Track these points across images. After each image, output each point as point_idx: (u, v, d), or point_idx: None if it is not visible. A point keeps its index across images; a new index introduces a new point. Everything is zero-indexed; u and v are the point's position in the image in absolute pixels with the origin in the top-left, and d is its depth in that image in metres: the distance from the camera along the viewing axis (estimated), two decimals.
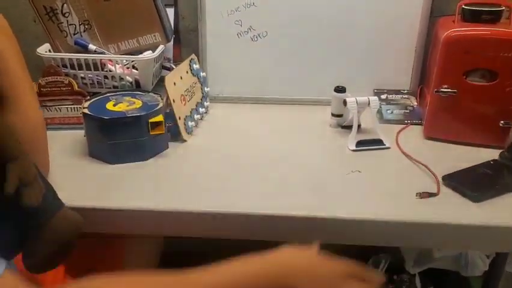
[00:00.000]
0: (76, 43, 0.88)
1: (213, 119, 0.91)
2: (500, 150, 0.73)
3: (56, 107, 0.83)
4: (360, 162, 0.74)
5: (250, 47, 0.94)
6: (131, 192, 0.66)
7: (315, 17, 0.92)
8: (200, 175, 0.70)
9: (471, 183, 0.65)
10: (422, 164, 0.72)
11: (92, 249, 0.71)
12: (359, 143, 0.78)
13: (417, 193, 0.64)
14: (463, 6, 0.80)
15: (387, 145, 0.79)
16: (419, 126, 0.86)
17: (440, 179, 0.67)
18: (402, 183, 0.68)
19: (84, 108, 0.74)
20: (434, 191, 0.65)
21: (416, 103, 0.92)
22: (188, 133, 0.82)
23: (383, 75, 0.96)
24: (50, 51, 0.89)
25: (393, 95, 0.94)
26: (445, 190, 0.65)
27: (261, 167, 0.73)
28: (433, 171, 0.69)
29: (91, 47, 0.88)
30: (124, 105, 0.75)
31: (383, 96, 0.94)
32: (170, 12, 0.99)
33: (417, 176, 0.70)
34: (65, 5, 0.86)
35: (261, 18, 0.92)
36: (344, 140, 0.81)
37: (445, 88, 0.77)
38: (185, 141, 0.81)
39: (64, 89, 0.83)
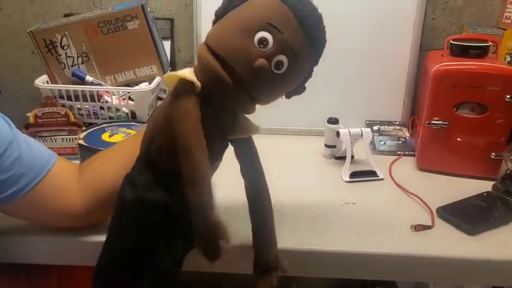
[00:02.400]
0: (74, 75, 0.89)
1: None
2: (493, 182, 0.74)
3: (52, 137, 0.83)
4: (355, 193, 0.75)
5: None
6: None
7: None
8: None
9: (465, 216, 0.65)
10: (416, 196, 0.72)
11: None
12: (353, 174, 0.79)
13: (412, 225, 0.64)
14: (451, 41, 0.82)
15: (380, 176, 0.79)
16: (412, 157, 0.87)
17: (434, 212, 0.67)
18: (397, 215, 0.68)
19: (80, 139, 0.74)
20: (429, 223, 0.65)
21: (408, 134, 0.93)
22: None
23: (374, 106, 0.98)
24: (47, 82, 0.90)
25: (386, 126, 0.96)
26: (440, 222, 0.66)
27: None
28: (427, 203, 0.69)
29: (88, 78, 0.89)
30: (120, 136, 0.76)
31: (375, 128, 0.95)
32: (166, 45, 1.02)
33: (411, 208, 0.70)
34: (64, 38, 0.88)
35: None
36: (337, 171, 0.81)
37: (436, 120, 0.78)
38: None
39: (60, 119, 0.83)
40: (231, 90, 0.44)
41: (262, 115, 0.96)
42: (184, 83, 0.44)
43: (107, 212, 0.58)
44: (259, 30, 0.43)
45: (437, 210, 0.67)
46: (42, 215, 0.57)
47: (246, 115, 0.51)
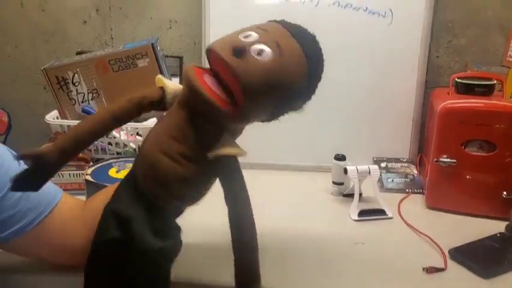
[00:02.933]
0: (83, 111, 0.91)
1: (217, 183, 0.91)
2: (506, 223, 0.72)
3: (59, 172, 0.84)
4: (364, 232, 0.73)
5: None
6: None
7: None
8: (200, 244, 0.69)
9: (479, 258, 0.63)
10: (427, 236, 0.70)
11: None
12: (361, 213, 0.78)
13: (423, 268, 0.62)
14: (457, 79, 0.83)
15: (389, 215, 0.78)
16: (421, 195, 0.86)
17: (446, 253, 0.65)
18: (408, 256, 0.66)
19: (87, 174, 0.75)
20: (441, 265, 0.63)
21: (416, 172, 0.93)
22: None
23: (381, 143, 0.98)
24: (58, 118, 0.91)
25: (393, 163, 0.95)
26: (452, 265, 0.63)
27: (260, 236, 0.71)
28: (439, 244, 0.67)
29: None
30: (127, 172, 0.76)
31: (383, 165, 0.94)
32: (175, 81, 1.03)
33: (422, 248, 0.68)
34: (76, 75, 0.90)
35: None
36: (345, 209, 0.80)
37: (445, 158, 0.78)
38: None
39: None
40: (205, 95, 0.43)
41: (268, 150, 0.98)
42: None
43: None
44: (245, 31, 0.45)
45: (450, 251, 0.65)
46: (45, 251, 0.57)
47: (232, 137, 0.49)
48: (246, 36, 0.44)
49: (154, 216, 0.47)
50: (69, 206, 0.57)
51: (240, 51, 0.42)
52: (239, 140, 0.49)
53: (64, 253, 0.57)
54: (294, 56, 0.45)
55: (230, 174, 0.47)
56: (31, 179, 0.46)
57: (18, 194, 0.51)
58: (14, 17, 1.11)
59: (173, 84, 0.50)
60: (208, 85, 0.44)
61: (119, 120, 0.49)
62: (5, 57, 1.14)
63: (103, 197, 0.60)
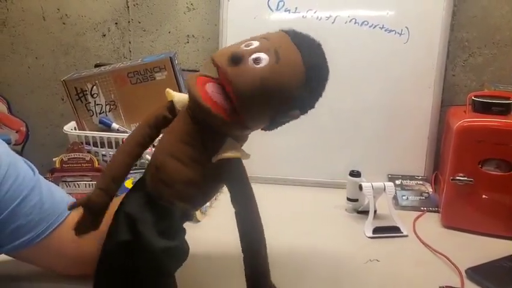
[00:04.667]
0: (101, 122, 0.92)
1: (227, 199, 0.91)
2: None
3: (76, 182, 0.85)
4: (378, 250, 0.72)
5: (266, 131, 0.97)
6: None
7: (331, 103, 0.96)
8: (213, 258, 0.69)
9: (496, 279, 0.62)
10: (443, 255, 0.69)
11: None
12: (376, 230, 0.77)
13: (440, 287, 0.61)
14: (473, 98, 0.83)
15: (404, 233, 0.77)
16: (436, 213, 0.85)
17: (463, 273, 0.64)
18: (423, 275, 0.66)
19: None
20: (458, 285, 0.62)
21: (431, 190, 0.92)
22: (202, 213, 0.82)
23: (396, 160, 0.97)
24: (75, 128, 0.93)
25: (408, 181, 0.95)
26: (470, 285, 0.62)
27: (274, 253, 0.71)
28: (455, 264, 0.66)
29: (114, 125, 0.92)
30: None
31: (398, 182, 0.94)
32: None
33: (438, 267, 0.67)
34: (94, 87, 0.91)
35: None
36: (360, 226, 0.79)
37: (461, 176, 0.77)
38: (199, 221, 0.80)
39: (85, 165, 0.85)
40: (202, 102, 0.45)
41: (283, 165, 0.98)
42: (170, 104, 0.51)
43: None
44: (249, 40, 0.46)
45: (466, 271, 0.64)
46: (55, 262, 0.57)
47: (236, 142, 0.49)
48: (248, 45, 0.45)
49: (160, 218, 0.48)
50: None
51: (236, 59, 0.43)
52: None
53: (75, 264, 0.57)
54: (291, 64, 0.45)
55: (234, 176, 0.49)
56: (90, 221, 0.49)
57: (33, 201, 0.52)
58: (36, 30, 1.14)
59: (180, 95, 0.52)
60: (206, 92, 0.46)
61: (144, 146, 0.52)
62: (25, 68, 1.17)
63: (114, 207, 0.60)
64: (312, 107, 0.49)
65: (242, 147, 0.49)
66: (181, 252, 0.50)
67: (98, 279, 0.50)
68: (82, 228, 0.49)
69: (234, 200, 0.49)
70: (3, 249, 0.52)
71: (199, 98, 0.45)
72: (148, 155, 0.90)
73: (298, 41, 0.46)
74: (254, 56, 0.44)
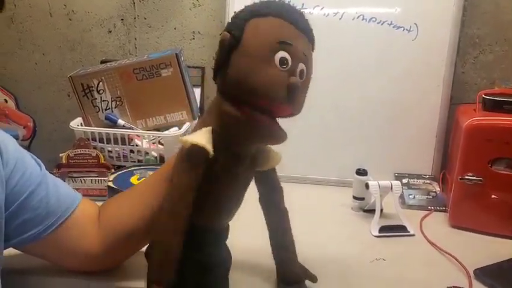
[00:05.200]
0: (107, 118, 0.92)
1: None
2: None
3: (82, 178, 0.85)
4: (384, 249, 0.72)
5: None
6: None
7: (338, 101, 0.95)
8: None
9: (505, 280, 0.61)
10: (450, 255, 0.68)
11: None
12: (382, 229, 0.76)
13: (447, 287, 0.60)
14: (484, 96, 0.82)
15: (411, 232, 0.76)
16: (444, 213, 0.84)
17: (471, 273, 0.63)
18: (430, 275, 0.65)
19: (109, 181, 0.75)
20: (466, 286, 0.61)
21: (438, 189, 0.90)
22: None
23: (403, 159, 0.96)
24: (81, 124, 0.93)
25: (415, 180, 0.93)
26: (477, 285, 0.61)
27: None
28: (463, 264, 0.65)
29: (120, 122, 0.92)
30: None
31: (405, 181, 0.93)
32: (197, 92, 1.04)
33: (445, 267, 0.67)
34: (100, 83, 0.91)
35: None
36: (366, 225, 0.79)
37: (470, 176, 0.76)
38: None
39: (91, 161, 0.85)
40: (266, 127, 0.45)
41: (289, 162, 0.96)
42: (196, 151, 0.44)
43: (124, 255, 0.57)
44: (276, 52, 0.43)
45: (475, 272, 0.63)
46: (63, 256, 0.57)
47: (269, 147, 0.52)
48: (284, 64, 0.43)
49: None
50: (87, 212, 0.58)
51: (295, 93, 0.43)
52: None
53: (82, 260, 0.57)
54: (311, 52, 0.47)
55: (272, 177, 0.58)
56: None
57: (40, 196, 0.52)
58: (43, 26, 1.14)
59: (204, 135, 0.45)
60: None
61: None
62: (32, 64, 1.17)
63: (117, 201, 0.60)
64: None
65: None
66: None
67: None
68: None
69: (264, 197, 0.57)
70: (11, 243, 0.53)
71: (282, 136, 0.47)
72: (154, 151, 0.90)
73: (302, 28, 0.46)
74: (299, 71, 0.44)
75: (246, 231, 0.61)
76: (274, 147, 0.51)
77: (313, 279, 0.59)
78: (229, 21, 0.46)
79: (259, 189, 0.56)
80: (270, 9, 0.44)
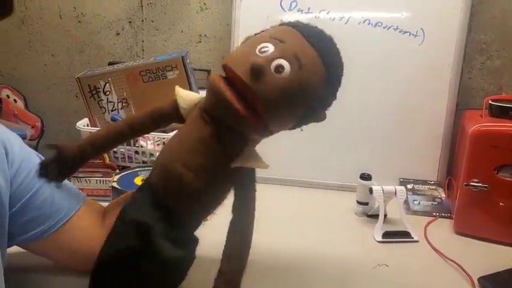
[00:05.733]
0: (113, 119, 0.93)
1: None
2: None
3: (87, 178, 0.85)
4: (387, 255, 0.71)
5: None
6: None
7: (343, 105, 0.94)
8: (217, 257, 0.68)
9: None
10: (455, 263, 0.67)
11: None
12: (386, 234, 0.76)
13: None
14: (490, 102, 0.81)
15: (415, 238, 0.76)
16: (449, 219, 0.83)
17: (475, 281, 0.62)
18: (434, 282, 0.64)
19: (113, 181, 0.76)
20: None
21: (444, 195, 0.90)
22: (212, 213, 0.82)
23: (408, 164, 0.95)
24: (88, 125, 0.94)
25: (420, 185, 0.93)
26: None
27: (281, 255, 0.70)
28: (467, 272, 0.65)
29: None
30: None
31: (409, 186, 0.92)
32: (202, 94, 1.05)
33: (449, 275, 0.66)
34: (107, 84, 0.92)
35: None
36: (369, 230, 0.78)
37: (476, 182, 0.75)
38: (206, 220, 0.80)
39: (96, 161, 0.86)
40: (235, 107, 0.43)
41: (293, 166, 0.97)
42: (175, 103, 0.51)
43: None
44: (261, 43, 0.44)
45: (479, 280, 0.62)
46: (66, 256, 0.58)
47: (255, 149, 0.49)
48: (263, 51, 0.43)
49: (174, 227, 0.47)
50: (91, 212, 0.58)
51: (259, 71, 0.42)
52: (271, 163, 0.49)
53: (85, 260, 0.57)
54: (313, 67, 0.44)
55: (246, 185, 0.48)
56: (55, 168, 0.53)
57: (45, 196, 0.53)
58: (52, 28, 1.15)
59: (188, 95, 0.50)
60: (233, 94, 0.44)
61: (134, 129, 0.53)
62: (42, 65, 1.19)
63: (121, 201, 0.60)
64: (331, 104, 0.50)
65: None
66: (191, 262, 0.49)
67: (94, 282, 0.49)
68: (43, 169, 0.53)
69: (235, 208, 0.48)
70: (14, 241, 0.53)
71: (230, 99, 0.43)
72: (158, 153, 0.90)
73: (313, 39, 0.45)
74: (275, 63, 0.43)
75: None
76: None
77: None
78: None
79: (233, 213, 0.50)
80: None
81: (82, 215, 0.56)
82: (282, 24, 0.48)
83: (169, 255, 0.45)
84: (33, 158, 0.55)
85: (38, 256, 0.58)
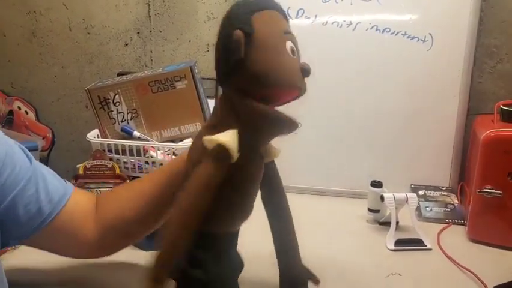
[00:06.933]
0: (123, 130, 0.93)
1: None
2: None
3: (97, 189, 0.86)
4: (400, 263, 0.70)
5: (287, 139, 0.96)
6: None
7: (353, 111, 0.95)
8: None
9: None
10: (469, 271, 0.67)
11: None
12: (398, 242, 0.75)
13: None
14: (502, 107, 0.80)
15: (428, 246, 0.75)
16: (462, 226, 0.82)
17: None
18: None
19: None
20: None
21: (456, 201, 0.89)
22: None
23: (420, 170, 0.94)
24: (98, 136, 0.94)
25: (432, 192, 0.92)
26: None
27: None
28: (482, 280, 0.64)
29: (136, 133, 0.93)
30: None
31: (421, 192, 0.91)
32: (211, 103, 1.05)
33: (463, 283, 0.65)
34: (117, 95, 0.93)
35: (297, 112, 0.96)
36: (381, 238, 0.77)
37: (489, 189, 0.74)
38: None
39: (107, 172, 0.86)
40: (288, 118, 0.46)
41: (304, 174, 0.96)
42: (223, 151, 0.42)
43: (120, 245, 0.59)
44: (285, 42, 0.44)
45: None
46: (57, 246, 0.58)
47: None
48: (293, 52, 0.44)
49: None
50: (80, 203, 0.58)
51: (307, 76, 0.45)
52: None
53: (75, 249, 0.58)
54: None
55: (273, 173, 0.55)
56: None
57: (31, 191, 0.52)
58: (62, 40, 1.17)
59: (230, 136, 0.44)
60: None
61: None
62: (52, 77, 1.20)
63: (119, 196, 0.61)
64: None
65: None
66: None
67: None
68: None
69: (268, 197, 0.54)
70: (13, 239, 0.54)
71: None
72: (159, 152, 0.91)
73: (284, 13, 0.47)
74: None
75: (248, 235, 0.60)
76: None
77: (316, 281, 0.58)
78: (228, 19, 0.45)
79: (261, 189, 0.52)
80: (264, 2, 0.46)
81: (71, 206, 0.56)
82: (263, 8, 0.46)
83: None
84: (17, 154, 0.53)
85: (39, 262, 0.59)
